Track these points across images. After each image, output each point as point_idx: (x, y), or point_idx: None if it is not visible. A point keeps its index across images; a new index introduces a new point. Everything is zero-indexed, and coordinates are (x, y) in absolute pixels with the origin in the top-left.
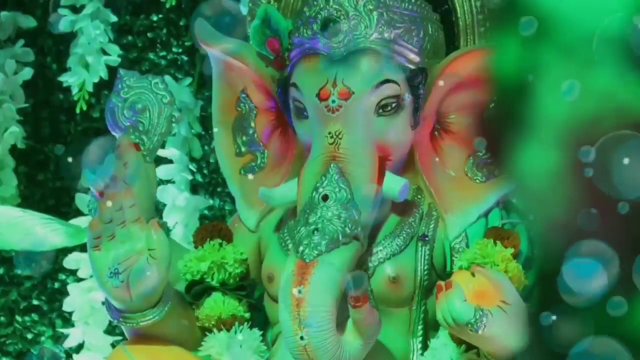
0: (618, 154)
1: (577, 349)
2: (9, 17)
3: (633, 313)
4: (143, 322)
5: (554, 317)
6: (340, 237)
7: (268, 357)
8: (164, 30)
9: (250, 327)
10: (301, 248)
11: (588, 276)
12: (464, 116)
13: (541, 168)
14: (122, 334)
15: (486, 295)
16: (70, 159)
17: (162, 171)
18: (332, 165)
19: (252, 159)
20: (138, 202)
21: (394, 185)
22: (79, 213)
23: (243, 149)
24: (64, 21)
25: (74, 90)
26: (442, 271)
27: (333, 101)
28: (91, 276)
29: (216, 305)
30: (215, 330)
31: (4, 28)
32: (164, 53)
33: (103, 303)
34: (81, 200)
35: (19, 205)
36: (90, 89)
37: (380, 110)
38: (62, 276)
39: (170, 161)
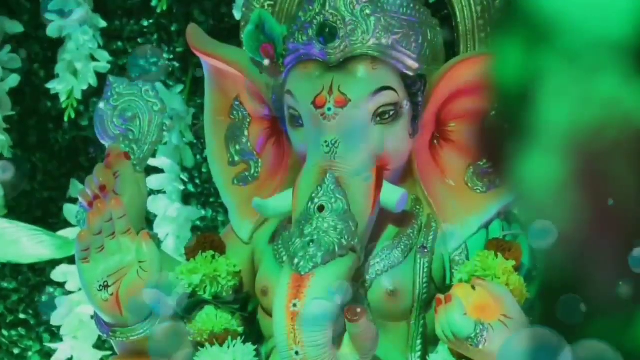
0: None
1: None
2: None
3: (636, 324)
4: (133, 337)
5: None
6: (337, 249)
7: None
8: (155, 36)
9: (244, 342)
10: (296, 260)
11: None
12: (464, 124)
13: (543, 178)
14: (111, 348)
15: (487, 309)
16: (57, 169)
17: (153, 181)
18: (328, 174)
19: (246, 168)
20: (128, 213)
21: (392, 195)
22: (67, 224)
23: (236, 158)
24: (51, 26)
25: (62, 98)
26: (441, 284)
27: (329, 109)
28: (80, 289)
29: (209, 319)
30: (207, 344)
31: None
32: (154, 60)
33: (92, 317)
34: (69, 211)
35: (5, 216)
36: (78, 96)
37: (378, 118)
38: (50, 289)
39: (161, 171)
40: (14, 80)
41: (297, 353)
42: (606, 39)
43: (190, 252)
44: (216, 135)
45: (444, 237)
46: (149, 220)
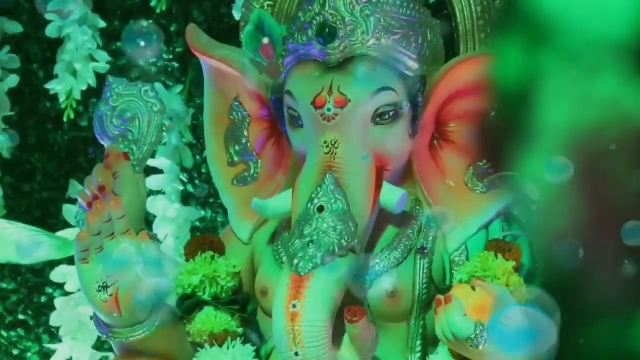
0: None
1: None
2: None
3: (636, 324)
4: (132, 338)
5: None
6: (337, 250)
7: None
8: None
9: (244, 343)
10: (296, 261)
11: None
12: (464, 125)
13: (544, 179)
14: (111, 349)
15: (487, 310)
16: (57, 170)
17: (152, 181)
18: (328, 175)
19: (245, 169)
20: (127, 214)
21: (392, 196)
22: (66, 225)
23: (236, 159)
24: (51, 27)
25: (62, 98)
26: (441, 285)
27: (329, 109)
28: (79, 290)
29: (208, 320)
30: (207, 345)
31: None
32: (154, 60)
33: (91, 318)
34: (68, 211)
35: (4, 217)
36: (78, 96)
37: (378, 119)
38: (49, 290)
39: (160, 171)
40: (13, 80)
41: (296, 354)
42: (606, 39)
43: (190, 253)
44: (216, 136)
45: (443, 238)
46: (148, 220)
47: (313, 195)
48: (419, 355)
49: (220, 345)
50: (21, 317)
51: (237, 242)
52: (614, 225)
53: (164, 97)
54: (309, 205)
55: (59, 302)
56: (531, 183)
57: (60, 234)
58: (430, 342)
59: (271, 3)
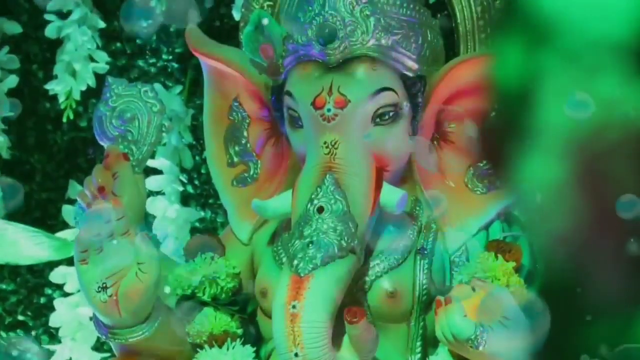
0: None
1: None
2: None
3: (636, 324)
4: (132, 339)
5: None
6: (336, 251)
7: None
8: (154, 37)
9: (243, 344)
10: (296, 262)
11: None
12: (464, 125)
13: (544, 179)
14: (110, 350)
15: None
16: (56, 170)
17: (151, 182)
18: (327, 176)
19: (245, 169)
20: (127, 214)
21: (392, 196)
22: (65, 225)
23: (235, 160)
24: (50, 27)
25: (61, 99)
26: (441, 285)
27: (329, 110)
28: (78, 291)
29: (208, 320)
30: (206, 346)
31: None
32: (153, 60)
33: (91, 318)
34: (68, 212)
35: (3, 218)
36: (77, 97)
37: (378, 119)
38: (49, 291)
39: (160, 172)
40: (12, 81)
41: (296, 355)
42: (606, 39)
43: (189, 254)
44: (215, 137)
45: (443, 239)
46: (148, 221)
47: (313, 196)
48: (419, 356)
49: (220, 346)
50: (20, 317)
51: (237, 242)
52: (614, 225)
53: (163, 98)
54: (309, 205)
55: (58, 302)
56: (531, 183)
57: (59, 234)
58: (430, 342)
59: (271, 3)
